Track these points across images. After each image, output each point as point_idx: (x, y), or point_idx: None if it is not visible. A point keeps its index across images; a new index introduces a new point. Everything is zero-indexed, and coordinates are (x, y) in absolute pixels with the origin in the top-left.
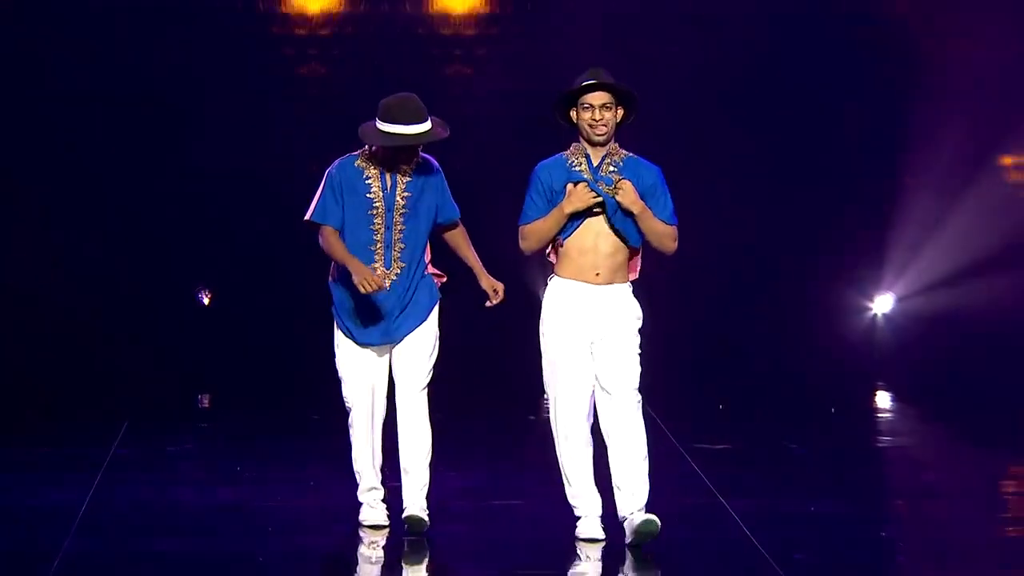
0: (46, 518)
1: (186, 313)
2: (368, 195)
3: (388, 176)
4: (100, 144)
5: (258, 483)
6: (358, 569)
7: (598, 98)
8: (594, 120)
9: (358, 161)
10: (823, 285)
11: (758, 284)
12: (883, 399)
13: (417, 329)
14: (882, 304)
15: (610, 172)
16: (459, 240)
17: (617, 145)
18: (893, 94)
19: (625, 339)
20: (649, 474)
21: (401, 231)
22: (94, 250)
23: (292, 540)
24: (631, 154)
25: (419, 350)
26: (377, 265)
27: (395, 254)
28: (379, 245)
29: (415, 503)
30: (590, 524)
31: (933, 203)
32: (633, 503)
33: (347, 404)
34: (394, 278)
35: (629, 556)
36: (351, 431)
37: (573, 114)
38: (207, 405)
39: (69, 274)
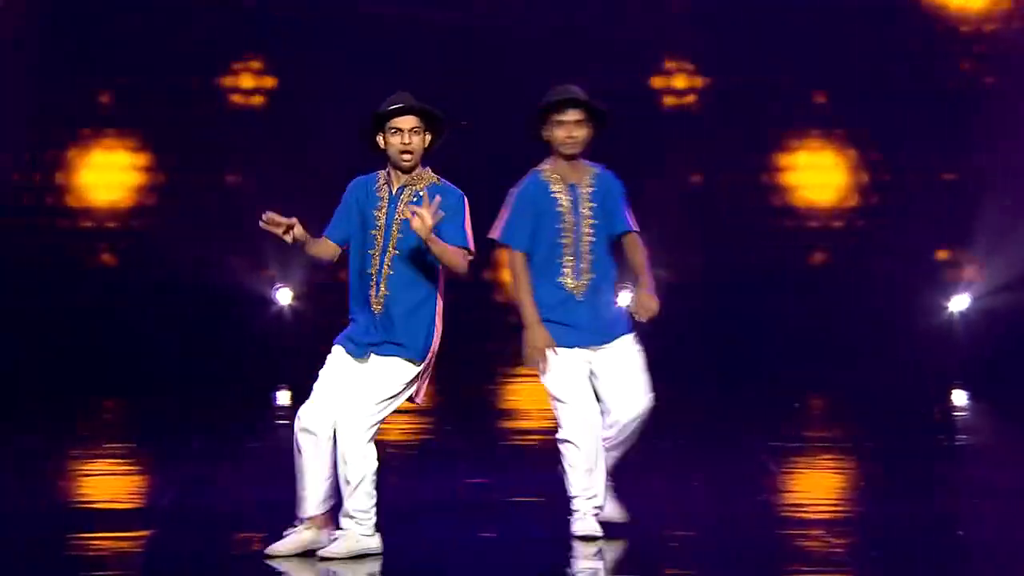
0: (130, 513)
1: (266, 310)
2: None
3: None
4: (180, 139)
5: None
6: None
7: (407, 122)
8: (404, 144)
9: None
10: (900, 284)
11: (834, 283)
12: (960, 397)
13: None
14: (959, 303)
15: (411, 201)
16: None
17: (427, 170)
18: (975, 87)
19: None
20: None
21: None
22: (174, 248)
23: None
24: (437, 180)
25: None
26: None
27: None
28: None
29: None
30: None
31: (1012, 203)
32: None
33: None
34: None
35: (700, 552)
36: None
37: (380, 139)
38: (288, 403)
39: (150, 273)
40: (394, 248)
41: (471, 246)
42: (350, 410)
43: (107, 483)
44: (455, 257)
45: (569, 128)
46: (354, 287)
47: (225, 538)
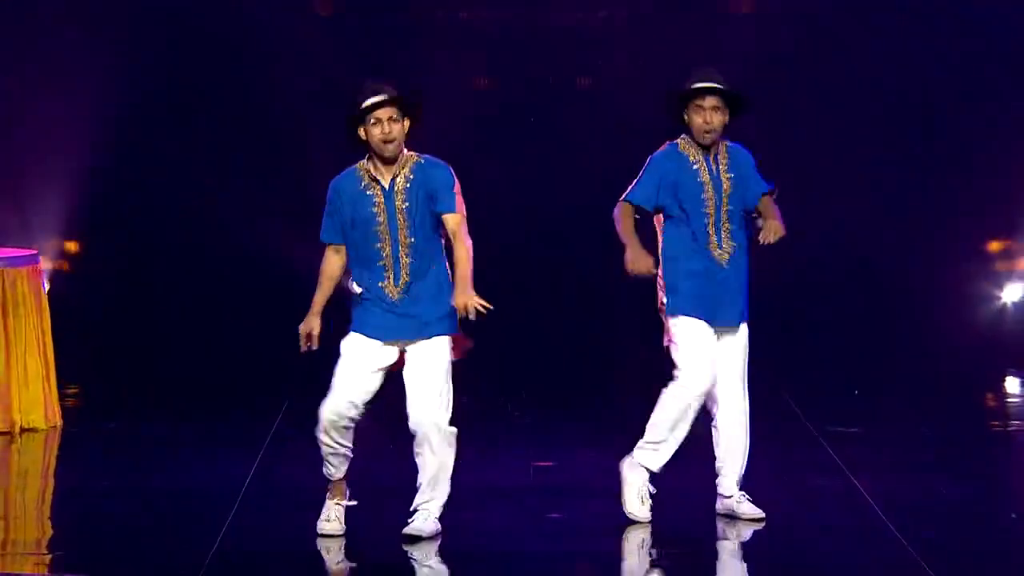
0: (212, 493)
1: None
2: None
3: None
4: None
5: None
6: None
7: (384, 112)
8: (384, 134)
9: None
10: (951, 273)
11: (885, 271)
12: (1013, 384)
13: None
14: (1012, 293)
15: (404, 188)
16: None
17: (410, 153)
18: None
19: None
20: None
21: None
22: (258, 232)
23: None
24: (422, 157)
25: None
26: None
27: None
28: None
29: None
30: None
31: None
32: None
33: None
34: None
35: (764, 536)
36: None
37: (361, 131)
38: None
39: (236, 253)
40: (407, 237)
41: (462, 214)
42: (432, 411)
43: (187, 463)
44: (469, 256)
45: (706, 114)
46: (361, 283)
47: (302, 518)
